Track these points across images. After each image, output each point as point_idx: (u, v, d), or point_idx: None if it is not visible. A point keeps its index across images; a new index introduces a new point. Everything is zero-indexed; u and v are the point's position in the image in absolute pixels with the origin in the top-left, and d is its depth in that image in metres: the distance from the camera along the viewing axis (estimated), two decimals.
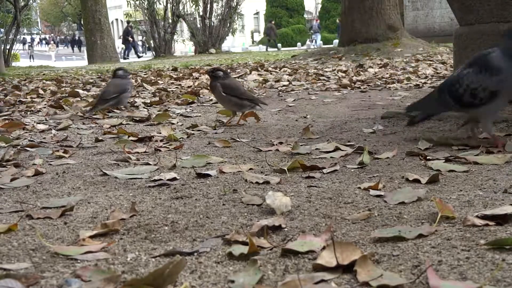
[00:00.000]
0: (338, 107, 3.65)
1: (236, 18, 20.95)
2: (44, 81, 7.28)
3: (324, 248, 1.06)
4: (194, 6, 19.72)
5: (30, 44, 38.48)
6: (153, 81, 6.02)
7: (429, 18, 15.45)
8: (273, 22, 30.57)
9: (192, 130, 2.82)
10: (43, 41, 51.13)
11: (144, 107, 3.97)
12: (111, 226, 1.26)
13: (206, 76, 5.42)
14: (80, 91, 5.06)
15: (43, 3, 48.44)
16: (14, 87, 6.03)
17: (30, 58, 32.45)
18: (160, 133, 2.73)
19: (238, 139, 2.49)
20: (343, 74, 6.03)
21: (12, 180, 1.82)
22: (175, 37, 20.47)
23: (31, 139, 2.71)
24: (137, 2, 19.47)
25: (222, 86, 2.95)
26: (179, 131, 2.81)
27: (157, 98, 4.39)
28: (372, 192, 1.50)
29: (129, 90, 3.52)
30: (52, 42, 42.29)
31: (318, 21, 33.13)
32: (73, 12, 41.47)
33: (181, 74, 7.09)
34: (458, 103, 1.98)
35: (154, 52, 19.53)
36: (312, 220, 1.28)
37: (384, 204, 1.39)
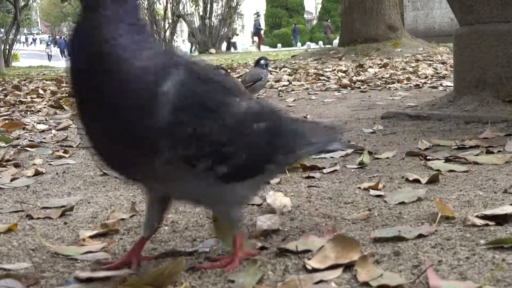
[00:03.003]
0: (338, 107, 3.65)
1: (236, 18, 20.97)
2: (44, 81, 7.29)
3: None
4: (194, 6, 19.74)
5: (48, 44, 38.24)
6: None
7: (429, 18, 15.46)
8: (328, 21, 30.94)
9: None
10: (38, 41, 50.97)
11: None
12: (111, 226, 1.26)
13: None
14: None
15: (43, 3, 48.43)
16: (14, 87, 6.03)
17: (48, 58, 31.70)
18: None
19: None
20: (343, 74, 6.03)
21: (12, 180, 1.82)
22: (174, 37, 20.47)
23: (31, 139, 2.71)
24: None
25: None
26: None
27: None
28: (372, 192, 1.50)
29: (263, 79, 3.84)
30: None
31: None
32: (73, 12, 41.46)
33: None
34: None
35: None
36: (312, 220, 1.28)
37: (384, 204, 1.39)
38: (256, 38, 29.94)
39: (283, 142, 1.01)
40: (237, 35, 24.05)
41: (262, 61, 3.86)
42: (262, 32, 29.37)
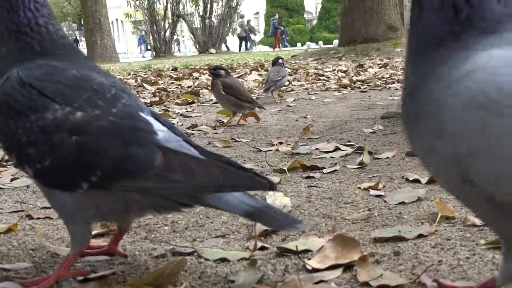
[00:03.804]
0: (338, 107, 3.65)
1: (236, 18, 20.96)
2: None
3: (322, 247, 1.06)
4: (194, 6, 19.72)
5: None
6: (153, 81, 6.02)
7: None
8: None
9: (192, 130, 2.82)
10: None
11: None
12: (111, 226, 1.26)
13: (206, 76, 5.42)
14: None
15: None
16: None
17: None
18: None
19: (238, 139, 2.49)
20: (343, 74, 6.03)
21: (12, 180, 1.82)
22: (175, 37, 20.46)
23: None
24: (137, 2, 19.46)
25: (223, 84, 2.94)
26: None
27: (157, 98, 4.38)
28: (372, 192, 1.50)
29: (286, 76, 4.26)
30: None
31: None
32: (73, 12, 41.45)
33: (181, 74, 7.09)
34: None
35: (154, 52, 19.53)
36: (312, 220, 1.28)
37: (384, 204, 1.39)
38: (250, 38, 29.54)
39: (104, 163, 0.89)
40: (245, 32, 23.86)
41: (280, 60, 4.13)
42: (279, 31, 29.09)
